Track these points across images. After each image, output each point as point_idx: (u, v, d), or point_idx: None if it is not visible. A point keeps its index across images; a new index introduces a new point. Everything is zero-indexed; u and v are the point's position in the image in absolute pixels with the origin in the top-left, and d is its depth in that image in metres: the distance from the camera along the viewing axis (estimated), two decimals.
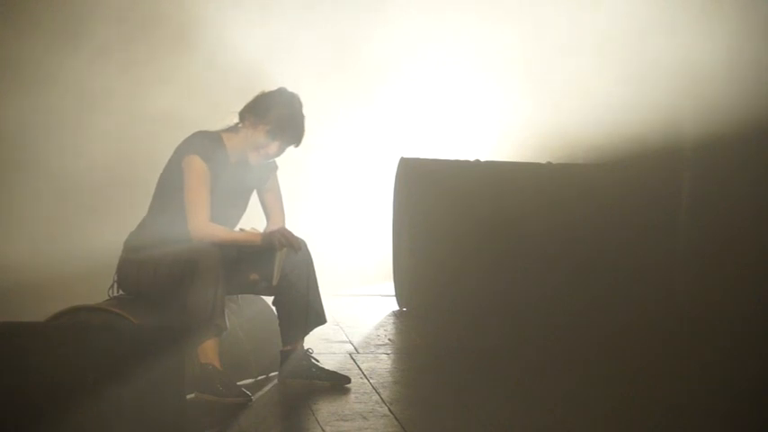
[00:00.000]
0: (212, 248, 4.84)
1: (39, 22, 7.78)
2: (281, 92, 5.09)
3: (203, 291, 4.78)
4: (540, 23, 8.24)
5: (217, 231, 4.91)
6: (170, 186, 4.98)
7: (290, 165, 5.16)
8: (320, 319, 5.13)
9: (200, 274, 4.79)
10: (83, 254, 7.10)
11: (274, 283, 5.02)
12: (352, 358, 5.64)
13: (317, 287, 5.11)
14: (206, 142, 4.99)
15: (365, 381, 5.17)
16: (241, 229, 5.07)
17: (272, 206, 5.22)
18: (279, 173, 5.21)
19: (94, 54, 7.86)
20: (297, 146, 5.09)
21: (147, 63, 7.91)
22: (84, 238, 7.35)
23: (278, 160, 5.16)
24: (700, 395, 5.10)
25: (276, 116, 5.01)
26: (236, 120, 5.08)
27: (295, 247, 4.96)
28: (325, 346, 5.86)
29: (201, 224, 4.89)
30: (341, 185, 8.49)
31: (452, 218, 7.01)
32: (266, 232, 5.03)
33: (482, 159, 7.31)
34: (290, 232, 4.98)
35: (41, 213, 7.69)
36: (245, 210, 5.17)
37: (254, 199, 5.22)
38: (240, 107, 5.08)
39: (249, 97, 5.09)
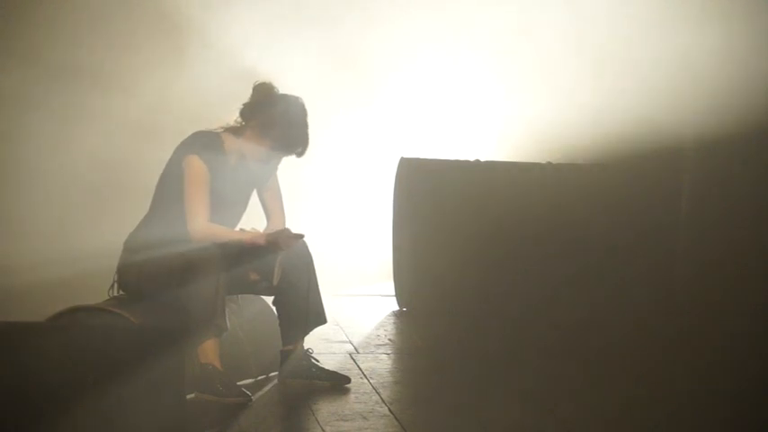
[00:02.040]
0: (212, 249, 4.84)
1: (39, 22, 7.77)
2: (287, 103, 5.02)
3: (204, 291, 4.78)
4: (540, 23, 8.23)
5: (216, 231, 4.91)
6: (170, 187, 4.98)
7: (290, 165, 5.16)
8: (320, 319, 5.13)
9: (201, 274, 4.79)
10: (82, 254, 7.09)
11: (275, 282, 5.02)
12: (352, 358, 5.64)
13: (317, 287, 5.10)
14: (206, 142, 4.99)
15: (365, 381, 5.17)
16: (241, 229, 5.07)
17: (272, 206, 5.22)
18: (279, 172, 5.21)
19: (95, 54, 7.85)
20: (299, 157, 5.10)
21: (147, 63, 7.91)
22: (84, 239, 7.34)
23: None
24: (700, 395, 5.10)
25: (280, 134, 4.98)
26: (235, 117, 5.07)
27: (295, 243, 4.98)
28: (325, 346, 5.86)
29: (201, 224, 4.89)
30: (341, 185, 8.48)
31: (452, 218, 7.01)
32: (270, 232, 5.03)
33: (482, 159, 7.31)
34: (291, 234, 4.96)
35: (41, 214, 7.68)
36: (245, 210, 5.17)
37: (254, 199, 5.22)
38: (240, 106, 5.08)
39: (249, 97, 5.08)
